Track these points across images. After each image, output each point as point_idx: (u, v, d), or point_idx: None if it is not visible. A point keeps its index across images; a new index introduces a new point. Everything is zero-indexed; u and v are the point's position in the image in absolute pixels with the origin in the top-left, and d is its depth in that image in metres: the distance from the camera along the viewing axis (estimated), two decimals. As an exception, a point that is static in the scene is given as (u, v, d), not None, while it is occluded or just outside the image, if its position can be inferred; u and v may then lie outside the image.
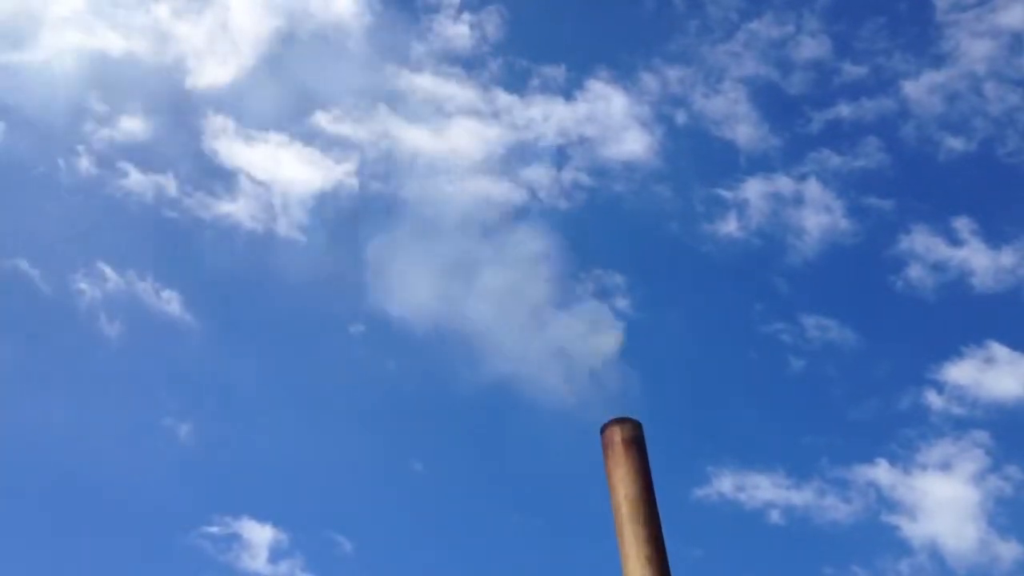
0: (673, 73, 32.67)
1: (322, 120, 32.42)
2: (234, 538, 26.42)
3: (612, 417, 11.59)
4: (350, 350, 30.30)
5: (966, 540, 25.48)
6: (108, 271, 29.86)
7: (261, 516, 26.78)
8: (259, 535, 26.47)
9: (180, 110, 32.56)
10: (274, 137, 32.32)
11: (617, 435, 11.46)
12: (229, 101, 32.43)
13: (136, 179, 31.01)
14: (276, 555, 26.30)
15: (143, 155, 31.56)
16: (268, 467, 28.94)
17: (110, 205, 31.00)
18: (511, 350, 30.32)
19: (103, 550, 27.01)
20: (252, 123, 32.28)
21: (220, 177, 31.56)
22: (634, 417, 11.55)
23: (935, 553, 25.46)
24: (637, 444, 11.45)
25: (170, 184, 31.19)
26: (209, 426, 28.79)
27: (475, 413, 29.74)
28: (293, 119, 32.69)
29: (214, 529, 26.46)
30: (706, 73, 32.72)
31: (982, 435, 26.92)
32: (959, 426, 27.12)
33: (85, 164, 31.24)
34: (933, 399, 27.54)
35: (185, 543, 26.55)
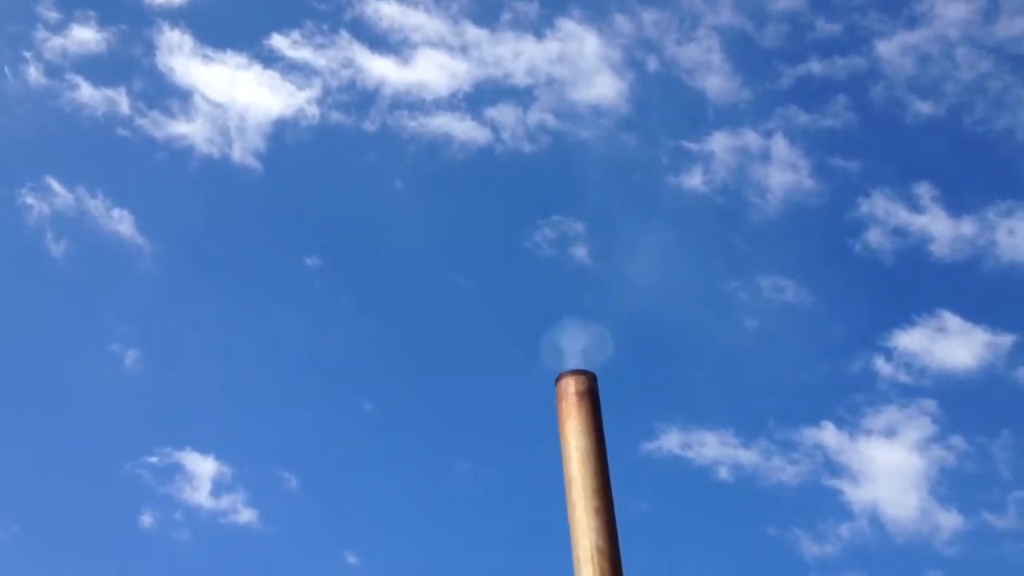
0: (648, 16, 32.07)
1: (282, 43, 31.49)
2: (176, 469, 26.04)
3: (568, 368, 11.38)
4: (306, 283, 29.79)
5: (907, 508, 25.76)
6: (56, 186, 28.98)
7: (204, 448, 26.40)
8: (202, 467, 26.09)
9: (135, 23, 31.46)
10: (232, 58, 31.37)
11: (571, 386, 11.27)
12: (186, 17, 31.38)
13: (87, 92, 30.02)
14: (219, 488, 25.97)
15: (95, 68, 30.54)
16: (215, 399, 28.51)
17: (59, 118, 30.02)
18: (469, 295, 29.96)
19: (38, 475, 26.52)
20: (209, 41, 31.29)
21: (175, 95, 30.62)
22: (589, 370, 11.38)
23: (875, 519, 25.73)
24: (591, 396, 11.27)
25: (122, 99, 30.23)
26: (156, 354, 28.25)
27: (429, 356, 29.45)
28: (252, 40, 31.73)
29: (154, 459, 26.05)
30: (680, 18, 32.15)
31: (929, 404, 27.11)
32: (906, 394, 27.28)
33: (34, 73, 30.18)
34: (882, 365, 27.65)
35: (124, 472, 26.13)
